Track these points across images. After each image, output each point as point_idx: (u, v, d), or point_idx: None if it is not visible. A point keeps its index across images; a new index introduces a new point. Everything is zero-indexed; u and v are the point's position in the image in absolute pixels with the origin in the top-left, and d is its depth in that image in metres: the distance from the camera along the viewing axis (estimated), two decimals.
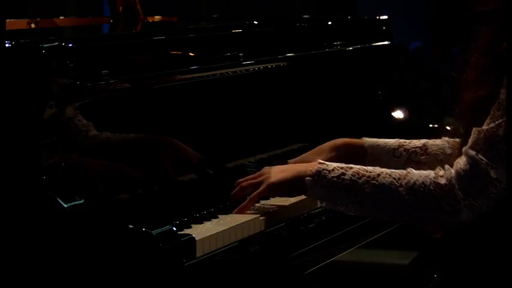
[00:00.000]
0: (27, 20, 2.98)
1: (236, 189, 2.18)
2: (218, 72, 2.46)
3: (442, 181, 1.94)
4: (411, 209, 1.97)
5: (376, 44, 3.25)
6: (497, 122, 1.93)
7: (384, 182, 1.98)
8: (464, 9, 2.10)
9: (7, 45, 2.03)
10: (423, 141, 2.33)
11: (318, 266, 2.39)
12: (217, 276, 2.03)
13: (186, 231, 2.01)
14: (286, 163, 2.34)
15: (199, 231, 2.03)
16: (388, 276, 2.23)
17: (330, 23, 3.09)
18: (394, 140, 2.42)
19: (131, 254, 1.87)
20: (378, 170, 2.02)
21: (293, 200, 2.32)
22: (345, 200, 2.02)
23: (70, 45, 2.05)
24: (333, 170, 2.04)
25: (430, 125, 3.08)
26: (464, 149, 1.97)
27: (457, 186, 1.93)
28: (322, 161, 2.07)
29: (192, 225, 2.06)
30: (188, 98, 2.40)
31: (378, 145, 2.41)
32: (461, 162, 1.95)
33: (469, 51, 2.07)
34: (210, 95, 2.47)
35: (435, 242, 2.15)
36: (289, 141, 2.73)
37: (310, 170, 2.05)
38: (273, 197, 2.23)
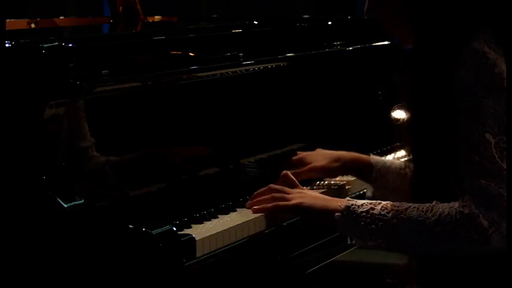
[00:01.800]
0: (27, 20, 2.98)
1: (265, 196, 2.19)
2: (218, 72, 2.46)
3: (466, 210, 1.93)
4: (441, 241, 1.96)
5: (376, 44, 3.25)
6: (480, 148, 1.92)
7: (412, 215, 1.98)
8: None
9: (7, 45, 2.03)
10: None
11: (318, 266, 2.39)
12: (217, 276, 2.03)
13: (186, 231, 2.01)
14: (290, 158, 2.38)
15: (199, 231, 2.03)
16: (388, 276, 2.23)
17: (330, 23, 3.09)
18: (400, 161, 2.46)
19: (131, 254, 1.87)
20: (405, 204, 2.01)
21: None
22: (375, 235, 2.02)
23: (70, 45, 2.05)
24: (362, 205, 2.04)
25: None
26: (466, 187, 1.94)
27: (480, 215, 1.91)
28: (350, 199, 2.08)
29: (192, 225, 2.06)
30: (188, 98, 2.40)
31: (384, 163, 2.44)
32: (472, 196, 1.93)
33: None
34: (210, 95, 2.47)
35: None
36: (289, 141, 2.72)
37: (340, 206, 2.06)
38: (297, 216, 2.23)
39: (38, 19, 3.02)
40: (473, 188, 1.93)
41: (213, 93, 2.48)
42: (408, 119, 2.10)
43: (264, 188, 2.22)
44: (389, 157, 2.85)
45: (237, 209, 2.22)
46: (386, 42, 3.27)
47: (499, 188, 1.91)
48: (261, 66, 2.63)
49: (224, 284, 2.07)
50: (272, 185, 2.22)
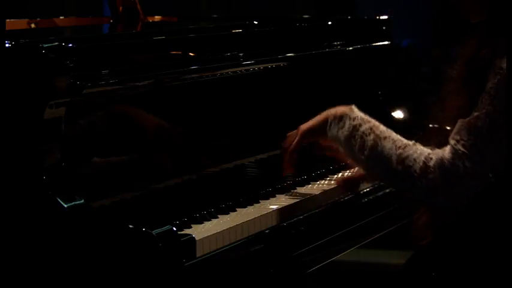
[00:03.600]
0: (27, 20, 2.98)
1: (286, 157, 2.37)
2: (218, 72, 2.46)
3: (430, 163, 2.04)
4: (397, 178, 2.09)
5: (376, 44, 3.25)
6: (476, 114, 2.00)
7: (385, 145, 2.12)
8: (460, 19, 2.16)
9: (7, 45, 2.03)
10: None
11: (319, 265, 2.39)
12: (218, 276, 2.03)
13: (186, 231, 2.01)
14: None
15: (199, 231, 2.03)
16: (388, 276, 2.23)
17: (330, 23, 3.09)
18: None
19: (131, 254, 1.87)
20: (388, 132, 2.16)
21: (292, 200, 2.33)
22: (353, 149, 2.17)
23: (70, 45, 2.05)
24: (354, 118, 2.20)
25: (430, 125, 3.07)
26: (449, 137, 2.04)
27: (437, 172, 2.02)
28: (353, 108, 2.24)
29: (192, 225, 2.06)
30: (188, 98, 2.40)
31: None
32: (446, 149, 2.04)
33: (454, 60, 2.15)
34: (210, 95, 2.47)
35: (422, 249, 2.19)
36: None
37: (336, 112, 2.24)
38: (310, 139, 2.36)
39: (38, 19, 3.02)
40: (451, 145, 2.02)
41: (213, 93, 2.48)
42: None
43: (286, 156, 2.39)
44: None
45: (237, 209, 2.22)
46: (386, 42, 3.27)
47: (467, 158, 1.99)
48: (261, 66, 2.63)
49: (224, 284, 2.07)
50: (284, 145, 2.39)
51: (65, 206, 1.92)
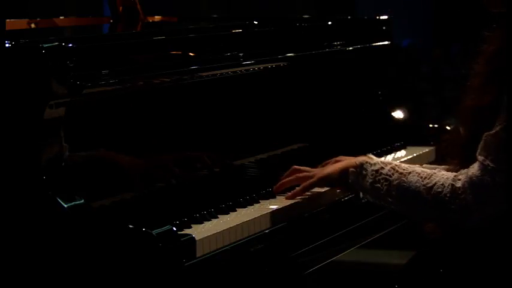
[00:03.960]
0: (27, 20, 2.98)
1: (290, 177, 2.33)
2: (218, 72, 2.46)
3: (458, 184, 2.02)
4: (429, 207, 2.07)
5: (376, 44, 3.25)
6: (500, 126, 1.97)
7: (411, 180, 2.10)
8: (476, 11, 2.12)
9: (7, 45, 2.02)
10: (434, 166, 2.32)
11: (318, 266, 2.39)
12: (217, 276, 2.03)
13: (186, 231, 2.01)
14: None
15: (199, 231, 2.03)
16: (388, 276, 2.23)
17: (330, 23, 3.09)
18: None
19: (131, 254, 1.87)
20: (411, 168, 2.14)
21: (292, 200, 2.33)
22: (379, 192, 2.15)
23: (70, 45, 2.05)
24: (374, 164, 2.18)
25: (430, 125, 3.08)
26: (477, 154, 2.01)
27: (469, 191, 2.00)
28: (370, 156, 2.24)
29: (192, 225, 2.06)
30: (188, 98, 2.40)
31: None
32: (475, 167, 2.02)
33: (476, 56, 2.11)
34: (210, 95, 2.47)
35: (432, 242, 2.18)
36: (289, 141, 2.73)
37: (355, 162, 2.21)
38: (323, 187, 2.36)
39: (38, 19, 3.01)
40: (479, 162, 1.99)
41: (213, 93, 2.48)
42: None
43: (287, 172, 2.35)
44: (389, 157, 2.85)
45: (237, 209, 2.22)
46: (386, 42, 3.27)
47: (498, 172, 1.97)
48: (261, 66, 2.63)
49: (224, 284, 2.07)
50: (295, 167, 2.35)
51: (65, 206, 1.92)
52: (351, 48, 3.09)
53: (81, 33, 3.11)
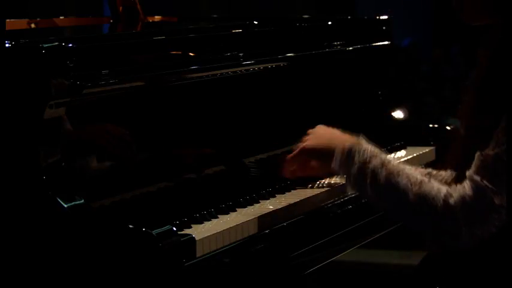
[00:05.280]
0: (27, 20, 2.98)
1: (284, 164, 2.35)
2: (218, 72, 2.46)
3: (451, 201, 1.94)
4: (415, 216, 2.00)
5: (376, 44, 3.25)
6: (503, 148, 1.90)
7: (399, 181, 2.01)
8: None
9: (7, 45, 2.02)
10: (428, 169, 2.28)
11: (318, 266, 2.39)
12: (217, 276, 2.03)
13: (186, 231, 2.01)
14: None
15: (199, 231, 2.03)
16: (388, 276, 2.23)
17: (330, 23, 3.09)
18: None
19: (131, 254, 1.87)
20: (401, 167, 2.05)
21: (292, 200, 2.33)
22: (363, 185, 2.07)
23: (70, 45, 2.05)
24: (363, 152, 2.09)
25: (430, 125, 3.08)
26: (468, 173, 1.95)
27: (460, 211, 1.92)
28: (361, 140, 2.13)
29: (192, 225, 2.06)
30: (188, 98, 2.40)
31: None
32: (466, 187, 1.94)
33: (471, 74, 2.07)
34: (210, 95, 2.47)
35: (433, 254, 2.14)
36: (289, 141, 2.72)
37: (342, 146, 2.13)
38: (308, 159, 2.33)
39: (38, 19, 3.01)
40: (473, 182, 1.93)
41: (213, 93, 2.48)
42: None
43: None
44: (389, 157, 2.85)
45: (237, 209, 2.22)
46: (386, 42, 3.27)
47: (495, 194, 1.90)
48: (261, 66, 2.63)
49: (224, 284, 2.07)
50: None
51: (65, 206, 1.92)
52: (350, 48, 3.09)
53: (81, 33, 3.11)
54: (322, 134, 2.27)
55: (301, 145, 2.30)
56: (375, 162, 2.06)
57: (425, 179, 2.01)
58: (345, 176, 2.15)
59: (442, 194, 1.95)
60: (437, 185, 1.99)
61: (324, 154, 2.19)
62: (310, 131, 2.35)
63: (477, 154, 1.94)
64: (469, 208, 1.92)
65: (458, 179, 2.02)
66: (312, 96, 2.90)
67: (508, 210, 1.91)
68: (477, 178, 1.92)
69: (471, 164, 1.97)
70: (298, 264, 2.32)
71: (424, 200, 1.97)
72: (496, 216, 1.91)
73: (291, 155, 2.33)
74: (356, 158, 2.09)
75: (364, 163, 2.07)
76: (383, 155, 2.09)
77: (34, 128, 1.97)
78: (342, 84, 3.06)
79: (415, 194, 1.98)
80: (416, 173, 2.04)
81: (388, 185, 2.02)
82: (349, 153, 2.11)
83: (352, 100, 3.12)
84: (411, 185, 1.99)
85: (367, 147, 2.11)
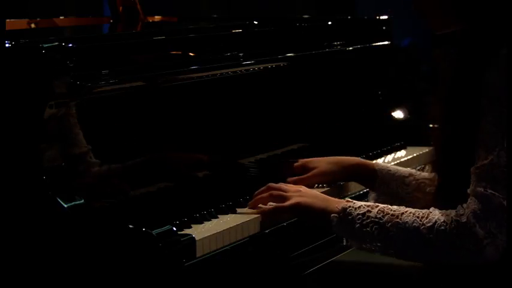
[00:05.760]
0: (27, 20, 2.98)
1: (263, 194, 2.19)
2: (218, 72, 2.46)
3: (463, 219, 1.93)
4: (434, 248, 1.96)
5: (376, 44, 3.25)
6: (495, 153, 1.91)
7: (407, 220, 1.99)
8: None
9: (7, 45, 2.03)
10: (433, 174, 2.25)
11: (318, 266, 2.39)
12: (217, 276, 2.03)
13: (186, 231, 2.01)
14: (292, 162, 2.41)
15: (199, 231, 2.03)
16: (388, 276, 2.23)
17: (330, 23, 3.09)
18: (405, 169, 2.44)
19: (131, 254, 1.87)
20: (402, 209, 2.01)
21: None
22: (369, 237, 2.03)
23: (70, 45, 2.05)
24: (359, 207, 2.04)
25: (430, 125, 3.07)
26: (470, 190, 1.94)
27: (477, 224, 1.91)
28: (350, 200, 2.08)
29: (192, 225, 2.06)
30: (188, 98, 2.40)
31: (389, 171, 2.41)
32: (472, 202, 1.93)
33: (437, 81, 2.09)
34: (210, 95, 2.47)
35: None
36: (289, 141, 2.73)
37: (337, 207, 2.06)
38: (294, 217, 2.21)
39: (38, 19, 3.02)
40: (478, 195, 1.92)
41: (213, 93, 2.48)
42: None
43: (263, 188, 2.22)
44: (389, 157, 2.85)
45: (237, 209, 2.22)
46: (386, 42, 3.27)
47: (503, 199, 1.90)
48: (261, 66, 2.63)
49: (224, 284, 2.07)
50: (271, 184, 2.22)
51: (65, 206, 1.92)
52: (350, 48, 3.09)
53: (81, 33, 3.11)
54: (314, 194, 2.17)
55: (294, 199, 2.14)
56: (374, 211, 2.03)
57: (429, 211, 1.99)
58: (347, 236, 2.09)
59: (452, 215, 1.94)
60: (442, 211, 1.97)
61: (319, 217, 2.10)
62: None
63: (472, 169, 1.94)
64: (483, 220, 1.91)
65: (442, 179, 2.03)
66: (312, 96, 2.90)
67: (508, 210, 1.91)
68: (480, 189, 1.92)
69: (450, 165, 1.98)
70: (298, 264, 2.32)
71: (437, 228, 1.95)
72: (506, 220, 1.90)
73: (280, 206, 2.14)
74: (354, 213, 2.04)
75: (364, 215, 2.03)
76: (380, 204, 2.05)
77: (34, 128, 1.97)
78: (342, 84, 3.06)
79: (426, 226, 1.96)
80: (419, 210, 2.01)
81: (397, 228, 1.99)
82: (344, 211, 2.05)
83: (352, 100, 3.12)
84: (419, 219, 1.97)
85: (360, 202, 2.07)
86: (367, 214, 2.02)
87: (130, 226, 1.88)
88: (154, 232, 1.87)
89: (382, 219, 2.00)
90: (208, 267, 1.98)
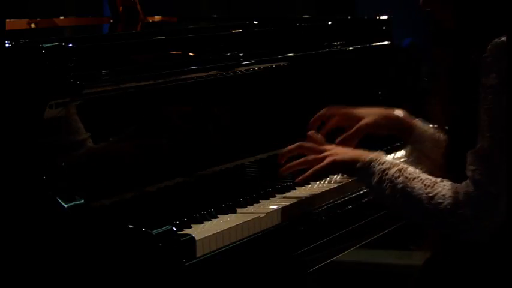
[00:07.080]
0: (27, 20, 2.98)
1: (300, 160, 2.31)
2: (218, 72, 2.46)
3: (460, 196, 2.01)
4: (429, 216, 2.05)
5: (376, 44, 3.25)
6: (485, 139, 1.97)
7: (415, 186, 2.08)
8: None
9: (7, 45, 2.03)
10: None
11: (319, 265, 2.39)
12: (218, 276, 2.03)
13: (186, 231, 2.01)
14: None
15: (199, 231, 2.03)
16: (388, 276, 2.24)
17: (330, 23, 3.09)
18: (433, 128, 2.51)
19: (131, 254, 1.87)
20: (416, 173, 2.11)
21: (292, 200, 2.33)
22: (382, 192, 2.13)
23: (70, 45, 2.05)
24: (383, 163, 2.16)
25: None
26: (466, 171, 2.01)
27: (467, 206, 1.99)
28: (380, 153, 2.20)
29: (192, 225, 2.06)
30: (188, 98, 2.40)
31: (426, 131, 2.48)
32: (466, 184, 2.01)
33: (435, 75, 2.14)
34: (210, 95, 2.47)
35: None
36: (289, 141, 2.72)
37: (364, 158, 2.19)
38: (332, 174, 2.39)
39: (38, 19, 3.02)
40: (470, 177, 1.99)
41: (213, 93, 2.48)
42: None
43: (293, 146, 2.35)
44: (389, 157, 2.85)
45: (237, 209, 2.22)
46: (386, 42, 3.27)
47: (499, 188, 1.96)
48: (261, 66, 2.63)
49: (224, 284, 2.07)
50: (302, 143, 2.36)
51: (65, 206, 1.92)
52: (351, 48, 3.09)
53: (81, 33, 3.11)
54: (346, 150, 2.31)
55: (330, 158, 2.27)
56: (393, 170, 2.13)
57: (438, 180, 2.07)
58: (366, 187, 2.23)
59: (451, 192, 2.02)
60: (449, 184, 2.05)
61: (349, 167, 2.23)
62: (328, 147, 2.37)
63: (468, 153, 2.00)
64: (473, 201, 1.98)
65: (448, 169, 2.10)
66: (312, 96, 2.90)
67: (508, 210, 1.92)
68: (470, 174, 1.99)
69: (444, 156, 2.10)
70: (298, 264, 2.32)
71: (436, 199, 2.04)
72: (500, 203, 1.96)
73: (319, 167, 2.27)
74: (377, 168, 2.15)
75: (384, 171, 2.14)
76: (402, 164, 2.15)
77: (34, 128, 1.97)
78: (342, 84, 3.06)
79: (428, 195, 2.05)
80: (430, 177, 2.09)
81: (405, 191, 2.09)
82: (369, 163, 2.17)
83: (352, 100, 3.12)
84: (425, 187, 2.06)
85: (387, 159, 2.19)
86: (386, 171, 2.13)
87: (130, 226, 1.88)
88: (154, 232, 1.87)
89: (396, 180, 2.11)
90: (209, 267, 1.98)
